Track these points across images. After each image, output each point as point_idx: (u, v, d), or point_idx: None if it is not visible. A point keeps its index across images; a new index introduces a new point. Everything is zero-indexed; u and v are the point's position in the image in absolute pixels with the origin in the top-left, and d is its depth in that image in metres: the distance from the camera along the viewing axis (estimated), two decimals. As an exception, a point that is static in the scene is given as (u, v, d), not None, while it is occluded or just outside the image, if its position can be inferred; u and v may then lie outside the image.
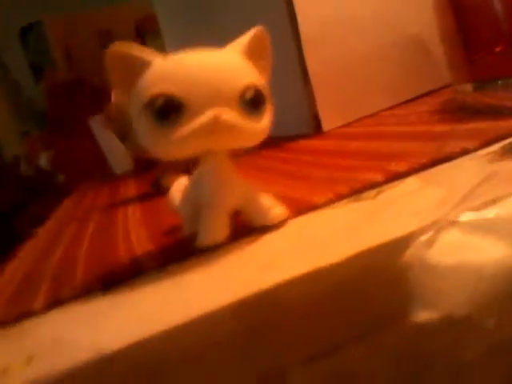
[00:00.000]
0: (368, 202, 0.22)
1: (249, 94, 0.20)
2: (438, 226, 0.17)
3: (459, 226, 0.17)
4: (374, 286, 0.17)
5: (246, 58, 0.21)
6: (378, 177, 0.24)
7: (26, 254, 0.36)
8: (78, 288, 0.22)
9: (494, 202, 0.18)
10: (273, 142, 0.45)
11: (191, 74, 0.19)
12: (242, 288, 0.17)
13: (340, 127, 0.45)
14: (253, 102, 0.20)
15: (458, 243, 0.17)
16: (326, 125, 0.45)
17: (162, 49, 0.26)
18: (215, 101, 0.19)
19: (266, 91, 0.21)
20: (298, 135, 0.46)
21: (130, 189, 0.51)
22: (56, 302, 0.22)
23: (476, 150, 0.24)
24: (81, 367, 0.16)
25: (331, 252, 0.18)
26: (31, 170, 1.28)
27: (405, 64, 0.47)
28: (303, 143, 0.43)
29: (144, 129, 0.20)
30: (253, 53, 0.21)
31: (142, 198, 0.42)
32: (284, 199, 0.23)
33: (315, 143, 0.41)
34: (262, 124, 0.20)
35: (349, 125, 0.45)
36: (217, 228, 0.22)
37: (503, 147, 0.23)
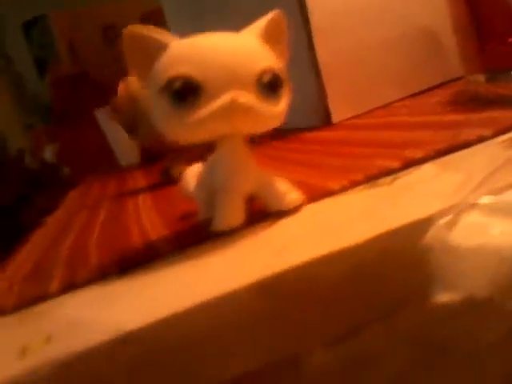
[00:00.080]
0: (384, 187, 0.22)
1: (266, 78, 0.20)
2: (459, 209, 0.17)
3: (479, 208, 0.17)
4: (393, 268, 0.17)
5: (263, 41, 0.21)
6: (394, 163, 0.24)
7: (37, 241, 0.36)
8: (93, 272, 0.22)
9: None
10: (281, 133, 0.45)
11: (209, 57, 0.19)
12: (258, 270, 0.17)
13: (349, 119, 0.45)
14: (270, 86, 0.20)
15: (478, 225, 0.17)
16: (336, 116, 0.45)
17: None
18: (233, 84, 0.19)
19: (283, 75, 0.21)
20: (306, 127, 0.46)
21: (139, 179, 0.51)
22: (71, 285, 0.22)
23: (492, 137, 0.24)
24: (98, 347, 0.16)
25: (349, 235, 0.18)
26: (36, 163, 1.28)
27: (416, 55, 0.47)
28: (313, 134, 0.43)
29: (161, 112, 0.20)
30: (270, 37, 0.21)
31: (152, 187, 0.42)
32: (298, 185, 0.23)
33: (325, 134, 0.41)
34: (279, 108, 0.20)
35: (358, 116, 0.45)
36: (232, 213, 0.22)
37: (520, 134, 0.23)
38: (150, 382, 0.16)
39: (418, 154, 0.24)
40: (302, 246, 0.18)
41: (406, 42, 0.47)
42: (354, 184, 0.23)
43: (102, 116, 0.75)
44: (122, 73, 0.43)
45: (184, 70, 0.19)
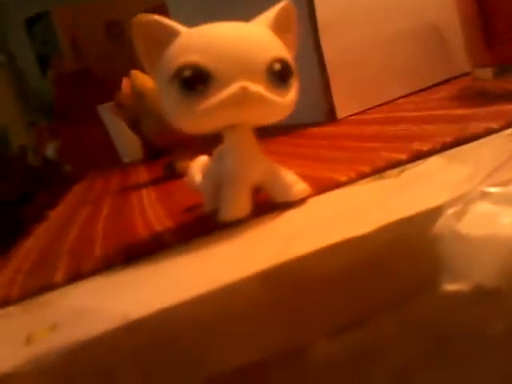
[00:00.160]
0: (392, 179, 0.22)
1: (276, 67, 0.20)
2: (468, 198, 0.17)
3: (489, 197, 0.17)
4: (401, 258, 0.17)
5: (272, 30, 0.21)
6: (401, 156, 0.23)
7: (40, 234, 0.36)
8: (98, 262, 0.22)
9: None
10: (286, 129, 0.45)
11: (219, 45, 0.19)
12: (263, 261, 0.17)
13: (355, 114, 0.45)
14: (280, 75, 0.20)
15: (488, 215, 0.17)
16: (341, 112, 0.44)
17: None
18: (243, 72, 0.19)
19: (292, 65, 0.20)
20: (311, 123, 0.46)
21: (142, 175, 0.51)
22: (76, 275, 0.22)
23: (500, 129, 0.24)
24: (104, 335, 0.16)
25: (356, 225, 0.17)
26: (38, 160, 1.28)
27: (422, 51, 0.47)
28: (318, 129, 0.43)
29: (170, 101, 0.20)
30: (279, 26, 0.21)
31: (156, 182, 0.42)
32: (304, 178, 0.23)
33: (330, 129, 0.41)
34: (289, 97, 0.20)
35: (363, 112, 0.45)
36: (239, 204, 0.21)
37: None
38: (153, 372, 0.16)
39: (426, 146, 0.24)
40: (309, 236, 0.18)
41: (413, 38, 0.46)
42: (361, 176, 0.23)
43: (105, 112, 0.74)
44: (125, 69, 0.43)
45: (194, 58, 0.19)
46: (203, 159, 0.26)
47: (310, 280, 0.17)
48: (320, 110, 0.45)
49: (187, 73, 0.19)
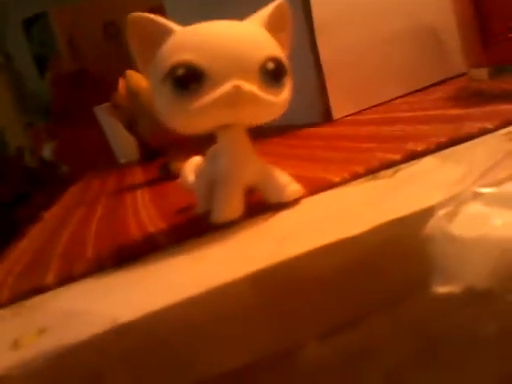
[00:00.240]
0: (385, 180, 0.22)
1: (270, 66, 0.19)
2: (460, 199, 0.17)
3: (481, 199, 0.17)
4: (393, 259, 0.17)
5: (266, 29, 0.21)
6: (395, 156, 0.23)
7: (34, 235, 0.36)
8: (90, 264, 0.22)
9: (514, 177, 0.17)
10: (282, 129, 0.45)
11: (213, 44, 0.19)
12: (257, 261, 0.17)
13: (350, 115, 0.45)
14: (273, 74, 0.20)
15: (480, 216, 0.16)
16: (337, 113, 0.44)
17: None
18: (236, 71, 0.19)
19: (286, 63, 0.20)
20: (307, 123, 0.45)
21: (137, 176, 0.51)
22: (68, 278, 0.22)
23: (494, 129, 0.24)
24: (93, 339, 0.16)
25: (348, 226, 0.17)
26: (35, 161, 1.28)
27: (418, 51, 0.47)
28: (313, 130, 0.43)
29: (164, 100, 0.20)
30: (274, 25, 0.21)
31: (151, 183, 0.42)
32: (298, 179, 0.23)
33: (326, 129, 0.41)
34: (282, 97, 0.20)
35: (359, 113, 0.45)
36: (232, 205, 0.21)
37: (523, 127, 0.23)
38: (143, 375, 0.16)
39: (420, 146, 0.23)
40: (302, 237, 0.18)
41: (409, 38, 0.46)
42: (355, 176, 0.23)
43: (102, 113, 0.74)
44: (123, 70, 0.43)
45: (187, 56, 0.19)
46: (197, 160, 0.26)
47: (302, 281, 0.17)
48: (316, 111, 0.45)
49: (180, 71, 0.19)
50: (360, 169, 0.23)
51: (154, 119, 0.40)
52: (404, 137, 0.27)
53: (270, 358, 0.16)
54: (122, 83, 0.50)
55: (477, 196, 0.17)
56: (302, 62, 0.44)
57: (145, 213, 0.29)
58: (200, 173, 0.24)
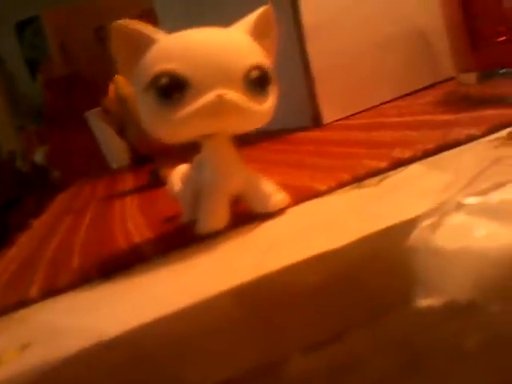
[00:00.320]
0: (371, 188, 0.22)
1: (254, 74, 0.19)
2: (444, 210, 0.17)
3: (464, 209, 0.17)
4: (376, 271, 0.17)
5: (251, 36, 0.20)
6: (382, 164, 0.23)
7: (22, 245, 0.35)
8: (75, 276, 0.22)
9: (499, 186, 0.17)
10: (271, 134, 0.45)
11: (196, 53, 0.19)
12: (242, 273, 0.17)
13: (340, 120, 0.44)
14: (258, 82, 0.19)
15: (463, 227, 0.16)
16: (326, 117, 0.44)
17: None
18: (220, 80, 0.19)
19: (271, 71, 0.20)
20: (297, 128, 0.45)
21: (128, 182, 0.50)
22: (52, 290, 0.21)
23: (481, 136, 0.24)
24: (77, 354, 0.15)
25: (333, 237, 0.17)
26: (27, 165, 1.27)
27: (407, 56, 0.47)
28: (303, 135, 0.43)
29: (147, 109, 0.20)
30: (259, 32, 0.21)
31: (140, 189, 0.42)
32: (284, 187, 0.23)
33: (315, 134, 0.41)
34: (267, 105, 0.20)
35: (349, 117, 0.45)
36: (217, 214, 0.21)
37: (509, 133, 0.23)
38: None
39: (406, 153, 0.23)
40: (286, 248, 0.18)
41: (398, 43, 0.46)
42: (341, 184, 0.23)
43: (93, 118, 0.74)
44: (114, 73, 0.43)
45: (170, 65, 0.19)
46: (183, 168, 0.25)
47: (286, 295, 0.16)
48: (306, 116, 0.45)
49: (163, 81, 0.19)
50: (346, 176, 0.23)
51: (141, 125, 0.40)
52: (391, 143, 0.27)
53: (254, 372, 0.16)
54: (111, 88, 0.50)
55: (461, 206, 0.17)
56: (291, 66, 0.44)
57: (132, 221, 0.29)
58: (186, 181, 0.24)
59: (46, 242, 0.32)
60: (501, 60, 0.32)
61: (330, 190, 0.23)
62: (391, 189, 0.21)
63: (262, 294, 0.16)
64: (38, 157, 1.20)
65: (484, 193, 0.17)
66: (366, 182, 0.22)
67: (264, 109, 0.20)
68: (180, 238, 0.22)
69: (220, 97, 0.18)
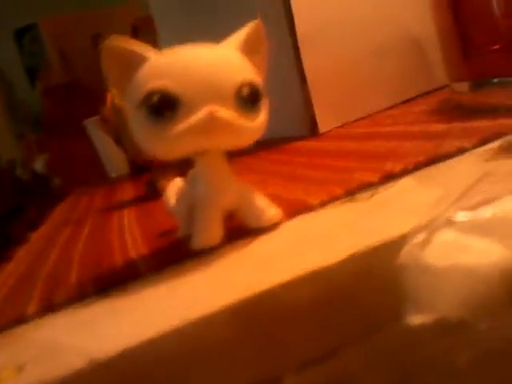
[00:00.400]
0: (363, 202, 0.22)
1: (245, 91, 0.19)
2: (433, 227, 0.17)
3: (454, 226, 0.17)
4: (368, 288, 0.17)
5: (242, 53, 0.21)
6: (374, 178, 0.23)
7: (20, 258, 0.36)
8: (72, 293, 0.22)
9: (490, 201, 0.18)
10: (268, 143, 0.45)
11: (187, 70, 0.19)
12: (236, 291, 0.17)
13: (336, 128, 0.45)
14: (249, 99, 0.20)
15: (453, 244, 0.17)
16: (323, 126, 0.44)
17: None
18: (211, 97, 0.19)
19: (261, 87, 0.20)
20: (293, 137, 0.46)
21: (126, 192, 0.51)
22: (49, 307, 0.22)
23: (473, 148, 0.24)
24: (74, 374, 0.16)
25: (327, 252, 0.17)
26: (27, 174, 1.27)
27: (402, 64, 0.47)
28: (299, 144, 0.43)
29: (139, 126, 0.20)
30: (249, 48, 0.21)
31: (138, 200, 0.42)
32: (278, 200, 0.23)
33: (311, 144, 0.41)
34: (258, 122, 0.20)
35: (345, 126, 0.45)
36: (211, 231, 0.21)
37: (500, 145, 0.23)
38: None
39: (398, 167, 0.24)
40: (281, 265, 0.18)
41: (393, 52, 0.47)
42: (334, 198, 0.23)
43: (91, 126, 0.74)
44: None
45: (161, 83, 0.19)
46: (179, 182, 0.26)
47: (280, 312, 0.17)
48: (302, 125, 0.45)
49: (155, 99, 0.19)
50: (339, 190, 0.23)
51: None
52: (385, 155, 0.27)
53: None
54: (109, 97, 0.50)
55: (450, 223, 0.17)
56: (287, 76, 0.45)
57: (129, 235, 0.29)
58: (181, 196, 0.24)
59: (44, 255, 0.32)
60: (493, 69, 0.32)
61: (322, 204, 0.23)
62: (383, 203, 0.21)
63: (256, 312, 0.17)
64: (39, 165, 1.21)
65: (474, 208, 0.17)
66: (358, 196, 0.23)
67: (255, 125, 0.20)
68: (175, 254, 0.22)
69: (211, 114, 0.19)
